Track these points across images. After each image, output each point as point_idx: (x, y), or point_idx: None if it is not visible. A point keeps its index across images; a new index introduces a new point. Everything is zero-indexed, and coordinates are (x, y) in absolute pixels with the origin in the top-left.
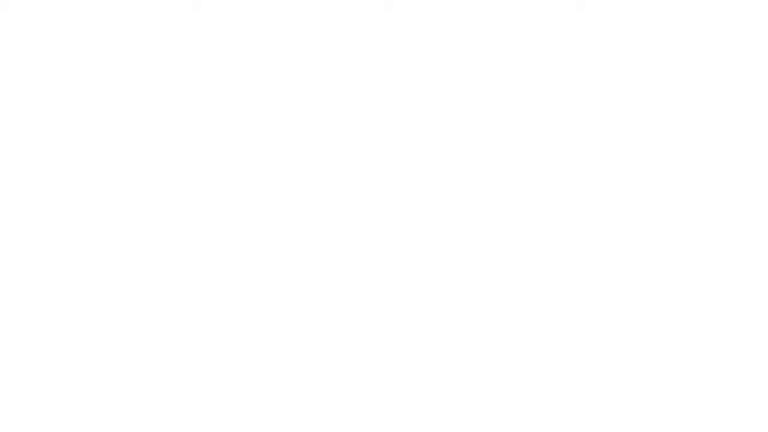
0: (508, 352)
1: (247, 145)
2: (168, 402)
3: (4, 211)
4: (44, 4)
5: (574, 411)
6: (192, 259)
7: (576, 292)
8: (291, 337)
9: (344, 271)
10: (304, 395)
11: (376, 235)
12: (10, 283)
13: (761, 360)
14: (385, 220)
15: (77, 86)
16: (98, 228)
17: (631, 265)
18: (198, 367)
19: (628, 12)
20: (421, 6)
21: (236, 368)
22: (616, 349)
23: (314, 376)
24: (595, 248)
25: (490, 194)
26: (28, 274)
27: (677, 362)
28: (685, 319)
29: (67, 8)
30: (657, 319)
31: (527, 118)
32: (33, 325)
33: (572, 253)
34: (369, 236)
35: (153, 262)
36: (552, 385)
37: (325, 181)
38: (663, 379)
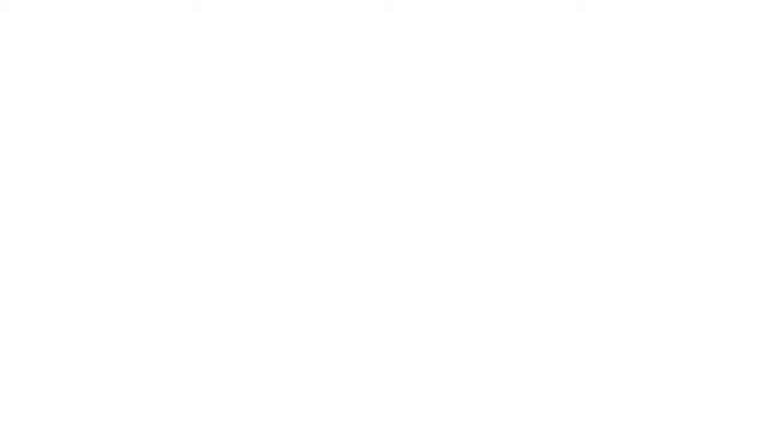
0: (508, 352)
1: (248, 145)
2: (168, 402)
3: (4, 211)
4: (44, 4)
5: (574, 411)
6: (192, 259)
7: (576, 292)
8: (291, 337)
9: (344, 271)
10: (304, 395)
11: (376, 235)
12: (10, 283)
13: (761, 360)
14: (385, 220)
15: (77, 86)
16: (98, 228)
17: (631, 265)
18: (198, 367)
19: (628, 12)
20: (421, 6)
21: (236, 368)
22: (616, 349)
23: (314, 376)
24: (596, 248)
25: (491, 194)
26: (28, 274)
27: (677, 362)
28: (685, 320)
29: (67, 8)
30: (657, 319)
31: (527, 117)
32: (33, 325)
33: (572, 253)
34: (369, 236)
35: (153, 262)
36: (552, 385)
37: (326, 180)
38: (663, 379)
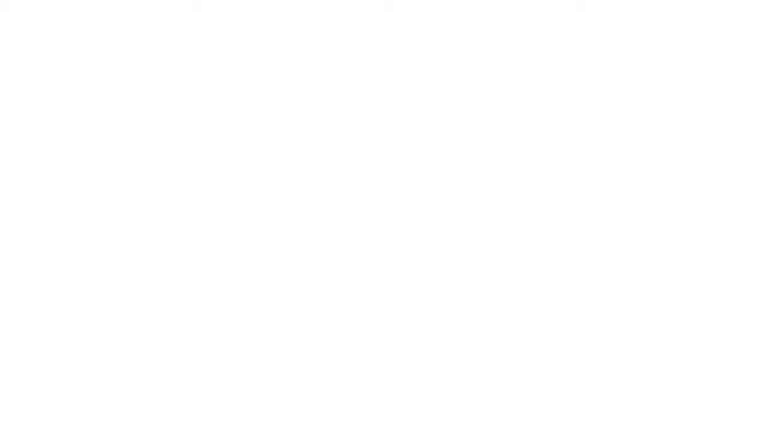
0: (508, 352)
1: (247, 145)
2: (168, 402)
3: (4, 211)
4: (44, 4)
5: (574, 411)
6: (192, 259)
7: (576, 292)
8: (291, 337)
9: (344, 271)
10: (304, 395)
11: (376, 235)
12: (10, 283)
13: (761, 360)
14: (385, 220)
15: (77, 86)
16: (98, 228)
17: (631, 265)
18: (198, 367)
19: (628, 12)
20: (421, 6)
21: (236, 368)
22: (616, 349)
23: (314, 376)
24: (595, 248)
25: (491, 194)
26: (28, 274)
27: (677, 362)
28: (685, 320)
29: (67, 8)
30: (657, 319)
31: (527, 118)
32: (33, 325)
33: (572, 253)
34: (369, 236)
35: (153, 262)
36: (552, 385)
37: (326, 180)
38: (663, 379)
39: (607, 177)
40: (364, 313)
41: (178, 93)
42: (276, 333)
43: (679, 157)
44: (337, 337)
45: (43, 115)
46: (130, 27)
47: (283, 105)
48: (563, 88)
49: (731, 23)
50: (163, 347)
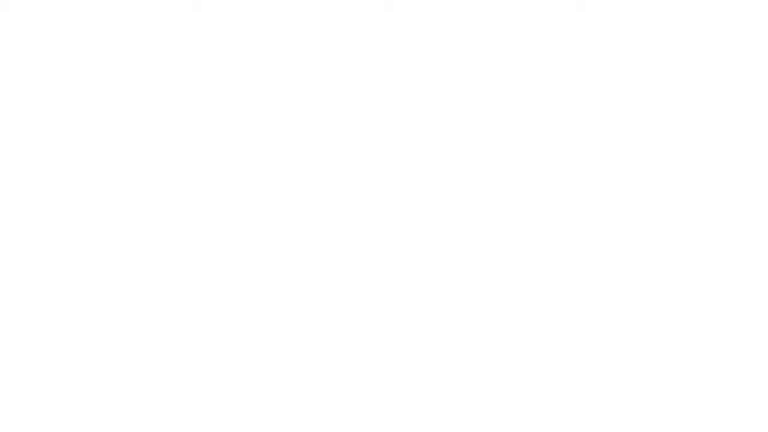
0: (508, 352)
1: (247, 145)
2: (168, 402)
3: (4, 211)
4: (44, 4)
5: (574, 411)
6: (192, 259)
7: (576, 292)
8: (291, 337)
9: (344, 271)
10: (304, 395)
11: (376, 235)
12: (10, 283)
13: (761, 360)
14: (385, 220)
15: (77, 86)
16: (98, 228)
17: (631, 265)
18: (198, 367)
19: (628, 12)
20: (421, 6)
21: (236, 368)
22: (616, 349)
23: (314, 376)
24: (595, 248)
25: (491, 194)
26: (28, 274)
27: (677, 362)
28: (685, 320)
29: (67, 8)
30: (657, 319)
31: (527, 118)
32: (33, 325)
33: (572, 253)
34: (369, 236)
35: (153, 262)
36: (552, 386)
37: (326, 181)
38: (663, 379)
39: (607, 176)
40: (364, 313)
41: (178, 93)
42: (276, 333)
43: (679, 156)
44: (337, 337)
45: (44, 115)
46: (130, 27)
47: (283, 105)
48: (563, 87)
49: (731, 23)
50: (163, 347)
